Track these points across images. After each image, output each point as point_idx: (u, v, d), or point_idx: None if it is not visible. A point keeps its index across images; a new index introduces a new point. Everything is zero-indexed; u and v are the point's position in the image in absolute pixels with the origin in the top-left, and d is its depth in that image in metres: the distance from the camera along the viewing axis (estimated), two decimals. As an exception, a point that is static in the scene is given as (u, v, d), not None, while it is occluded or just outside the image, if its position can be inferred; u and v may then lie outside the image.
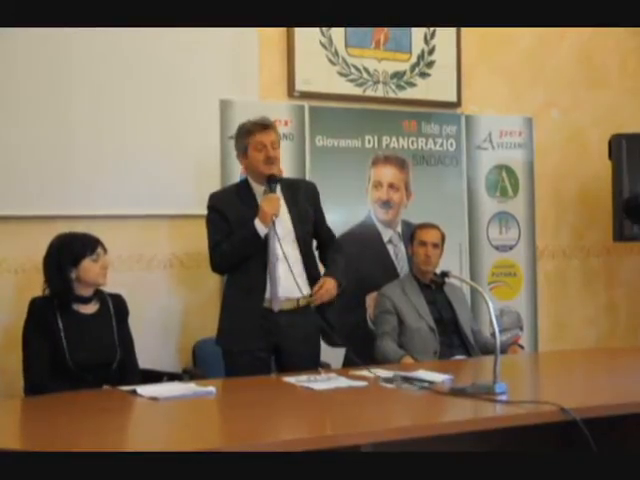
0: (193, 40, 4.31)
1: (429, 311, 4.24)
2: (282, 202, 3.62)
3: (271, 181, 3.59)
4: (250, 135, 3.65)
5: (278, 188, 3.62)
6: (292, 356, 3.61)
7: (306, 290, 3.61)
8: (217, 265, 3.67)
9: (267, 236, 3.55)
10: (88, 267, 3.44)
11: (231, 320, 3.65)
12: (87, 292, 3.48)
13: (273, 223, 3.52)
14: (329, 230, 3.90)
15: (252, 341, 3.58)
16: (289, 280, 3.54)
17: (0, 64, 4.00)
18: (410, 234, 4.49)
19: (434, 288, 4.34)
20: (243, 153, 3.69)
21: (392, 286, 4.37)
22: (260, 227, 3.52)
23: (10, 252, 4.02)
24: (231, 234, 3.60)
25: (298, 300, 3.62)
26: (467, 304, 4.55)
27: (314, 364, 3.63)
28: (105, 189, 4.16)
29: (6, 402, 3.26)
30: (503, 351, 3.90)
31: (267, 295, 3.58)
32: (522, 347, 4.45)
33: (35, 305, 3.43)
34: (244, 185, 3.75)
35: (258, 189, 3.67)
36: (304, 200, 3.73)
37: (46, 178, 4.06)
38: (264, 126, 3.67)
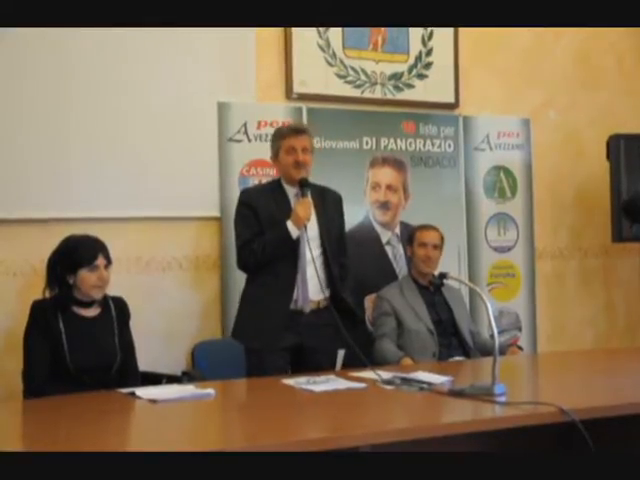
0: (190, 42, 4.32)
1: (427, 313, 4.24)
2: (311, 207, 3.71)
3: (304, 185, 3.69)
4: (282, 139, 3.77)
5: (309, 192, 3.72)
6: (312, 356, 3.69)
7: (327, 292, 3.71)
8: (245, 263, 3.74)
9: (298, 239, 3.63)
10: (84, 277, 3.41)
11: (258, 319, 3.69)
12: (86, 298, 3.46)
13: (305, 227, 3.61)
14: (344, 247, 3.98)
15: (279, 341, 3.64)
16: (315, 283, 3.64)
17: (2, 66, 3.99)
18: (408, 236, 4.49)
19: (432, 290, 4.34)
20: (275, 155, 3.80)
21: (390, 288, 4.37)
22: (293, 230, 3.61)
23: (9, 255, 4.02)
24: (261, 232, 3.67)
25: (319, 302, 3.71)
26: (465, 306, 4.55)
27: (332, 364, 3.75)
28: (104, 192, 4.16)
29: (6, 405, 3.25)
30: (502, 352, 3.90)
31: (295, 297, 3.66)
32: (521, 348, 4.44)
33: (37, 308, 3.42)
34: (277, 185, 3.83)
35: (290, 190, 3.76)
36: (332, 207, 3.85)
37: (45, 181, 4.06)
38: (297, 131, 3.80)
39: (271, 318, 3.65)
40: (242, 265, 3.77)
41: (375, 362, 3.97)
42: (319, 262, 3.68)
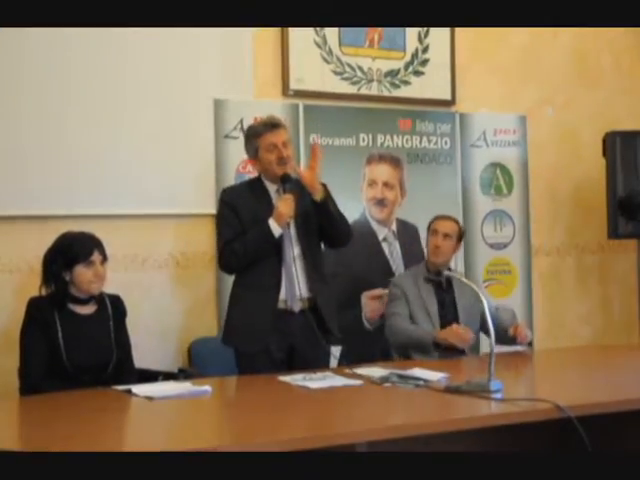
0: (187, 39, 4.31)
1: (438, 315, 4.06)
2: (293, 203, 3.56)
3: (285, 180, 3.58)
4: (260, 137, 3.63)
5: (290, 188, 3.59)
6: (306, 356, 3.60)
7: (305, 292, 3.59)
8: (227, 264, 3.64)
9: (282, 236, 3.54)
10: (80, 273, 3.40)
11: (247, 321, 3.59)
12: (83, 295, 3.46)
13: (288, 225, 3.53)
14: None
15: (269, 342, 3.55)
16: (302, 281, 3.56)
17: (1, 64, 3.98)
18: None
19: (445, 287, 4.14)
20: (254, 155, 3.67)
21: (404, 277, 4.23)
22: (275, 227, 3.51)
23: (5, 252, 4.01)
24: (242, 232, 3.57)
25: (308, 301, 3.61)
26: (475, 303, 4.03)
27: (325, 363, 3.63)
28: (99, 189, 4.15)
29: (2, 403, 3.25)
30: (508, 340, 3.86)
31: (282, 296, 3.57)
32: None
33: (33, 305, 3.42)
34: (258, 183, 3.72)
35: (271, 187, 3.66)
36: (310, 200, 3.64)
37: (41, 178, 4.05)
38: (273, 126, 3.64)
39: (259, 318, 3.55)
40: (224, 266, 3.66)
41: (396, 344, 3.90)
42: (300, 262, 3.59)
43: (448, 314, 4.11)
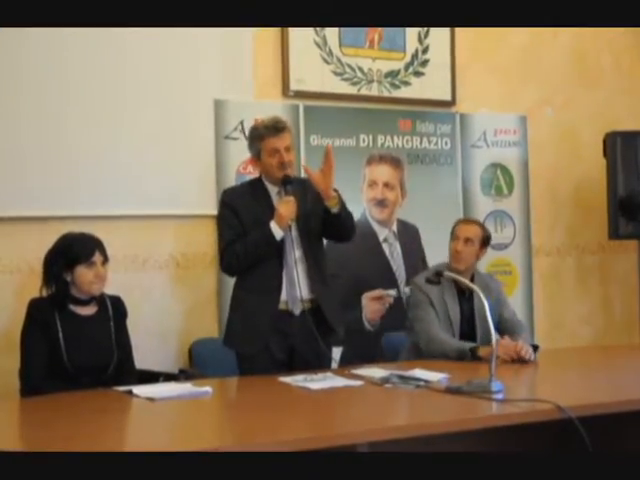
0: (187, 39, 4.31)
1: (460, 325, 3.88)
2: (295, 205, 3.52)
3: (286, 182, 3.54)
4: (262, 140, 3.57)
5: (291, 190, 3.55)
6: (306, 357, 3.58)
7: (307, 294, 3.57)
8: (228, 266, 3.61)
9: (283, 239, 3.51)
10: (81, 273, 3.39)
11: (247, 322, 3.57)
12: (84, 295, 3.45)
13: (289, 227, 3.50)
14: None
15: (270, 342, 3.53)
16: (303, 283, 3.53)
17: (1, 64, 3.99)
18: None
19: (467, 295, 3.90)
20: (256, 157, 3.63)
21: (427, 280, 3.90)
22: (276, 230, 3.47)
23: (6, 253, 4.01)
24: (243, 233, 3.55)
25: (310, 302, 3.59)
26: (494, 309, 3.78)
27: (326, 364, 3.60)
28: (100, 190, 4.16)
29: (3, 404, 3.25)
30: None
31: (283, 297, 3.55)
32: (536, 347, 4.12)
33: (34, 306, 3.41)
34: (258, 184, 3.69)
35: (272, 189, 3.62)
36: (312, 200, 3.62)
37: (42, 179, 4.05)
38: (277, 129, 3.57)
39: (259, 320, 3.53)
40: (225, 267, 3.63)
41: (429, 352, 3.70)
42: (301, 264, 3.56)
43: (465, 325, 3.90)
